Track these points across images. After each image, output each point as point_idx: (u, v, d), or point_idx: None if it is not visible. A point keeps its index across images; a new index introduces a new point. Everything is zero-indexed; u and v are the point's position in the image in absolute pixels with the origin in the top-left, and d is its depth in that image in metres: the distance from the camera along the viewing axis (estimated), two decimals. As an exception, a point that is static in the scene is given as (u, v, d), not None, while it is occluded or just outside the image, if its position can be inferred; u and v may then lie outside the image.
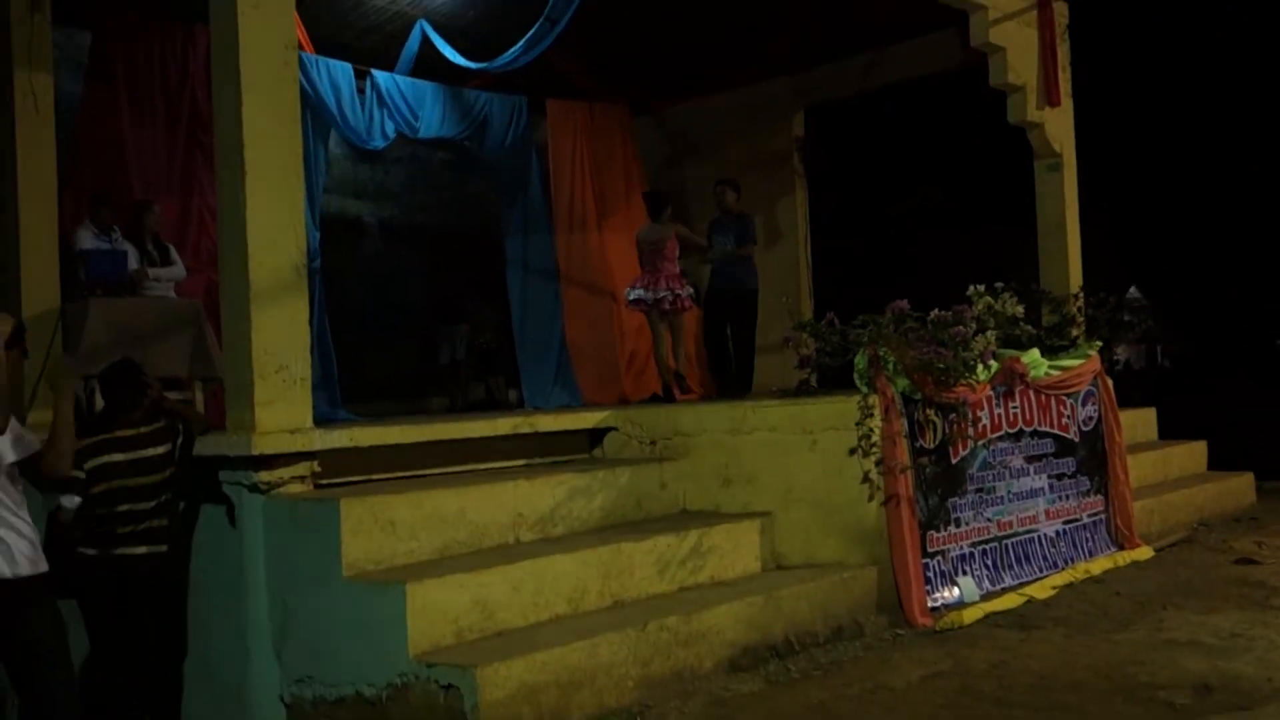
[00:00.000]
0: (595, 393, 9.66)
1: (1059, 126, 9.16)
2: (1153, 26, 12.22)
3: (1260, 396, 12.86)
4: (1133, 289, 13.98)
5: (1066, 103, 9.22)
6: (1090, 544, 7.07)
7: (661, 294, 8.33)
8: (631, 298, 8.50)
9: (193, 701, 5.44)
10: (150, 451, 5.06)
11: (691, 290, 8.57)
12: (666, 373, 8.45)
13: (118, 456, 4.98)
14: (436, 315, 10.30)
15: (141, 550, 5.04)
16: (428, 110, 9.03)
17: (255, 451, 4.94)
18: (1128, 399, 8.50)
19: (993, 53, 8.68)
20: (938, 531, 6.07)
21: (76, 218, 7.26)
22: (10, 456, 4.20)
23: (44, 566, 4.29)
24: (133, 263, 7.17)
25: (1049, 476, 6.91)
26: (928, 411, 6.11)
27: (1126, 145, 13.14)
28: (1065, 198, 9.19)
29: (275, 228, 5.13)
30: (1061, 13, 9.23)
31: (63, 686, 4.33)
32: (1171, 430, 9.55)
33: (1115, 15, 10.76)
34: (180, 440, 5.16)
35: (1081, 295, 8.34)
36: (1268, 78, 12.60)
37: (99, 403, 5.64)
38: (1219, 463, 9.40)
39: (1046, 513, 6.83)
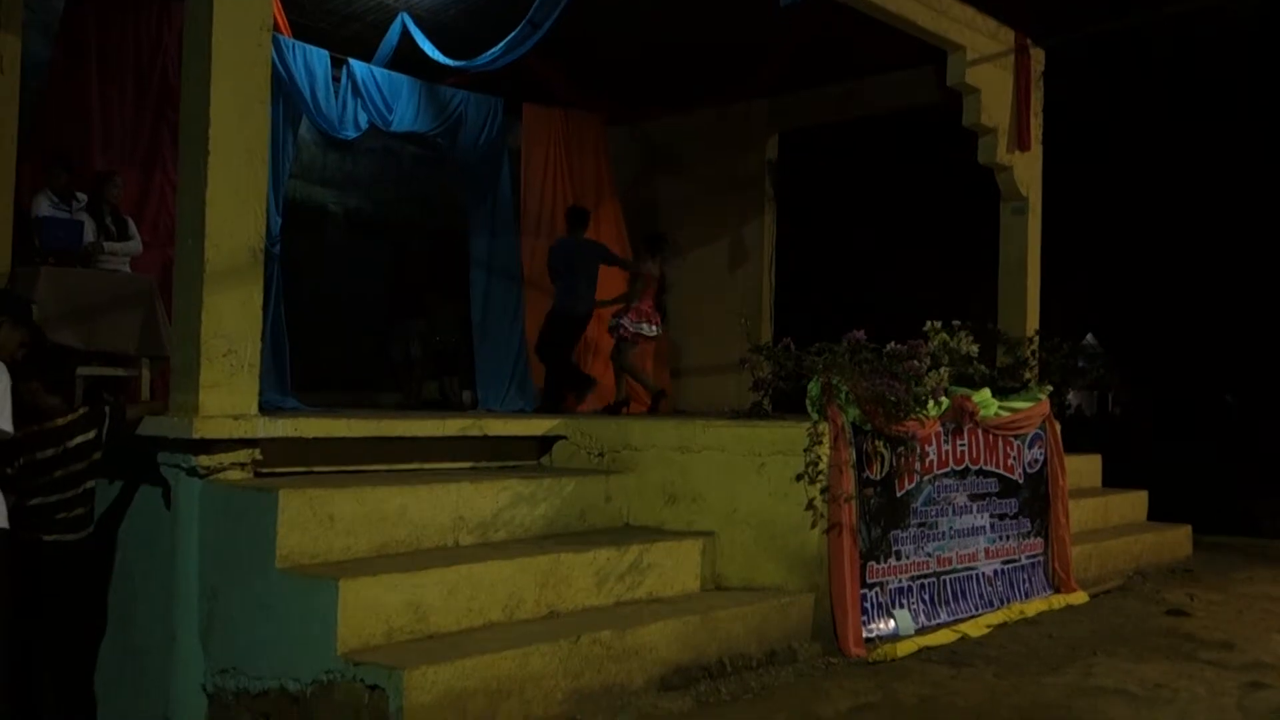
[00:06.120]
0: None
1: (1027, 170, 9.28)
2: (1125, 78, 12.39)
3: (1205, 450, 13.06)
4: (1089, 336, 14.15)
5: (1036, 148, 9.35)
6: (1027, 585, 7.13)
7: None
8: (649, 332, 8.98)
9: (114, 686, 5.34)
10: (78, 439, 4.99)
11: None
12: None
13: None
14: (395, 310, 10.22)
15: (69, 536, 4.96)
16: (402, 104, 8.98)
17: (196, 435, 4.86)
18: (1075, 444, 8.59)
19: (968, 93, 8.79)
20: (878, 563, 6.10)
21: (36, 184, 7.14)
22: None
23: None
24: (89, 235, 7.06)
25: (991, 516, 6.97)
26: (876, 443, 6.13)
27: (1092, 194, 13.32)
28: (1028, 241, 9.30)
29: (235, 209, 5.07)
30: (1038, 59, 9.36)
31: None
32: (1115, 478, 9.65)
33: (1088, 64, 10.90)
34: (107, 425, 5.08)
35: (1037, 339, 8.42)
36: (1233, 137, 12.82)
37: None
38: (1159, 513, 9.51)
39: (986, 551, 6.89)
